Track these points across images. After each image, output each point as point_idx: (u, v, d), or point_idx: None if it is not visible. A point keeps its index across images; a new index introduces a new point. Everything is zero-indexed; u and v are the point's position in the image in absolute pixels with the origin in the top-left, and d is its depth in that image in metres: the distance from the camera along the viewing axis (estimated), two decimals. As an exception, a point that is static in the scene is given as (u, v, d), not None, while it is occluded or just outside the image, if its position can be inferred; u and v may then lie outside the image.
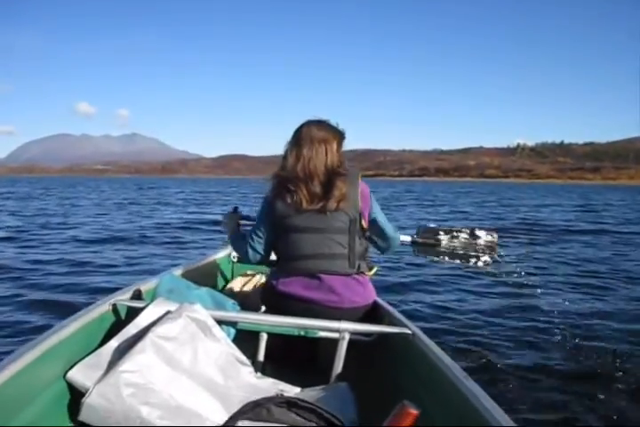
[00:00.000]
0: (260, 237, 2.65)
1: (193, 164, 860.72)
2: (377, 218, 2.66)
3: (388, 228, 2.76)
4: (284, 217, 2.50)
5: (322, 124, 2.61)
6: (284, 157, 2.56)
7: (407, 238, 3.40)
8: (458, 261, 3.59)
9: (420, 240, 3.52)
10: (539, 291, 7.04)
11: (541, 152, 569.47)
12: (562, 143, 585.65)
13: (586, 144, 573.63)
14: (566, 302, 6.38)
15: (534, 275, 8.27)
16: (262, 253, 2.70)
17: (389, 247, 2.88)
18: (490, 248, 3.62)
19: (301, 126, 2.60)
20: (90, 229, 15.23)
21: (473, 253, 3.57)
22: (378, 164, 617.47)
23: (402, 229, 3.66)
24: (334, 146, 2.55)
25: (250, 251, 2.70)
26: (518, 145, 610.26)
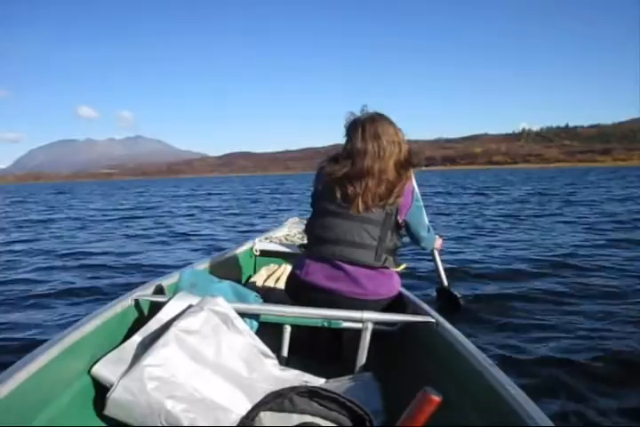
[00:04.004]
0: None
1: (198, 163, 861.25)
2: (411, 218, 2.62)
3: (421, 230, 2.75)
4: (326, 204, 2.54)
5: (388, 117, 2.58)
6: (355, 151, 2.49)
7: (444, 281, 3.45)
8: None
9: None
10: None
11: (547, 136, 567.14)
12: (567, 126, 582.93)
13: (591, 126, 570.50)
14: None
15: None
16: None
17: (420, 246, 2.90)
18: None
19: (375, 120, 2.53)
20: None
21: None
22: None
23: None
24: (403, 139, 2.54)
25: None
26: (523, 130, 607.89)
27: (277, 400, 1.63)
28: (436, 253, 3.54)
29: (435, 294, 4.72)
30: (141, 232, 13.70)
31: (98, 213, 22.92)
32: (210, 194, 41.68)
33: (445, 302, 4.33)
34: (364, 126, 2.50)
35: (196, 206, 25.28)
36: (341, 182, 2.47)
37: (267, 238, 4.59)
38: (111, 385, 1.77)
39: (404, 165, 2.50)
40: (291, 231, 4.92)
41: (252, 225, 14.82)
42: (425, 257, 7.39)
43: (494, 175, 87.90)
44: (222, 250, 4.04)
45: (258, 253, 4.37)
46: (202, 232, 13.20)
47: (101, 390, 1.86)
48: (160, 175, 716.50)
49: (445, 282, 3.39)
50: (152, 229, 14.58)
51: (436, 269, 3.55)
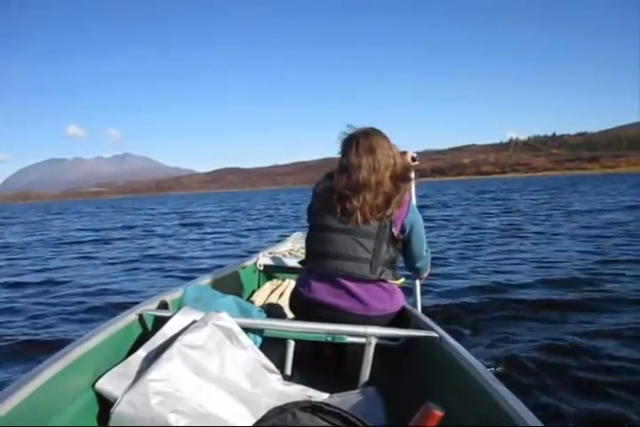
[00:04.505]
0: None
1: (187, 180, 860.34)
2: (410, 232, 2.57)
3: (419, 248, 2.67)
4: (322, 220, 2.55)
5: (382, 132, 2.61)
6: (350, 166, 2.50)
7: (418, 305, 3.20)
8: None
9: None
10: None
11: (534, 145, 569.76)
12: (554, 135, 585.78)
13: (578, 134, 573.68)
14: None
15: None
16: None
17: (412, 268, 2.85)
18: None
19: (369, 134, 2.55)
20: None
21: None
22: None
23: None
24: (398, 153, 2.61)
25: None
26: (511, 140, 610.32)
27: (281, 416, 1.62)
28: (419, 283, 3.26)
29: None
30: (117, 255, 13.18)
31: (79, 233, 22.28)
32: (195, 212, 40.71)
33: None
34: (357, 141, 2.53)
35: (179, 225, 24.59)
36: (339, 197, 2.48)
37: (270, 253, 4.61)
38: (115, 400, 1.77)
39: (401, 178, 2.52)
40: (294, 246, 4.95)
41: (238, 245, 14.15)
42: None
43: (489, 185, 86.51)
44: (225, 265, 4.07)
45: (261, 268, 4.38)
46: (180, 255, 12.60)
47: (105, 404, 1.86)
48: (149, 192, 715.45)
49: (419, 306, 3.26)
50: (129, 251, 14.12)
51: (414, 301, 3.22)
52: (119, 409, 1.70)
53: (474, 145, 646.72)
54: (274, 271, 4.39)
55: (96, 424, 1.90)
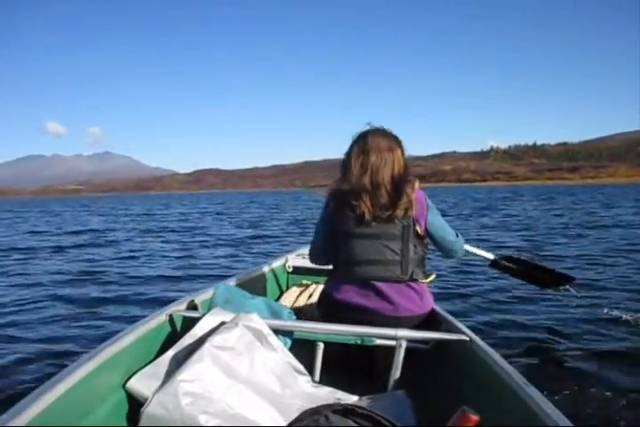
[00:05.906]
0: (319, 243, 2.74)
1: (167, 180, 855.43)
2: (433, 225, 2.56)
3: (448, 236, 2.65)
4: (342, 227, 2.53)
5: (385, 132, 2.60)
6: (346, 167, 2.53)
7: (489, 256, 3.66)
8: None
9: (503, 264, 3.76)
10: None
11: (515, 154, 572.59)
12: (535, 144, 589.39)
13: (559, 144, 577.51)
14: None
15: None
16: (323, 256, 2.77)
17: (450, 255, 2.78)
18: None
19: (365, 135, 2.56)
20: None
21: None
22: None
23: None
24: (399, 153, 2.55)
25: (312, 255, 2.83)
26: (492, 148, 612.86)
27: (314, 417, 1.62)
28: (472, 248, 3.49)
29: None
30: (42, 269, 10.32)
31: (23, 238, 18.98)
32: (166, 214, 38.19)
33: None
34: (357, 142, 2.56)
35: (142, 230, 21.67)
36: (344, 201, 2.49)
37: (299, 255, 4.60)
38: (146, 400, 1.77)
39: (402, 177, 2.50)
40: None
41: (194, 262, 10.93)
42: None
43: (474, 193, 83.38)
44: (257, 265, 4.06)
45: (290, 270, 4.38)
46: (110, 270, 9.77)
47: (136, 404, 1.86)
48: (129, 192, 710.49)
49: (491, 256, 3.52)
50: (59, 264, 11.31)
51: (475, 254, 3.57)
52: (150, 409, 1.71)
53: (455, 152, 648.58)
54: (303, 273, 4.35)
55: (126, 424, 1.90)
